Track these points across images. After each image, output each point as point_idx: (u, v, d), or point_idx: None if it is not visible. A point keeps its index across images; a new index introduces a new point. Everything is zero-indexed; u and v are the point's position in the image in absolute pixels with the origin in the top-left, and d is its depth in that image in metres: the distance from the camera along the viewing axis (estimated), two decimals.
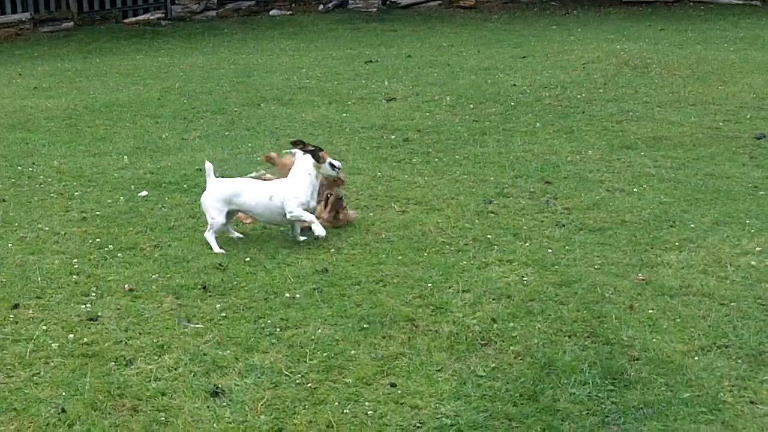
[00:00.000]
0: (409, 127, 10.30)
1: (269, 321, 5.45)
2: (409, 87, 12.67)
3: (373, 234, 6.90)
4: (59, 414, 4.48)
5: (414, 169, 8.64)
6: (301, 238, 6.79)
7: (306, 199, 6.64)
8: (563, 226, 6.98)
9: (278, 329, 5.34)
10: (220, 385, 4.72)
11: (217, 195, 6.69)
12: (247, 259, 6.46)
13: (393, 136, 9.91)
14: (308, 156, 6.69)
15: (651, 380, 4.73)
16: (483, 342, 5.15)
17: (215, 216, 6.66)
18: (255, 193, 6.71)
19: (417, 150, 9.33)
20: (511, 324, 5.34)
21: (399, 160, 9.00)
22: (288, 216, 6.64)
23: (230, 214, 6.81)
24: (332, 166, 6.79)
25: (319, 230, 6.59)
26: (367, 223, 7.15)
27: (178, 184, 8.27)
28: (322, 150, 6.77)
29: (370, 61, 15.04)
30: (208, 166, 6.75)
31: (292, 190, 6.63)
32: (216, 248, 6.61)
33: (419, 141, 9.70)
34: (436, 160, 8.96)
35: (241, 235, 6.94)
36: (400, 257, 6.41)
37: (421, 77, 13.40)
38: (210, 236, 6.69)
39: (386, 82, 13.04)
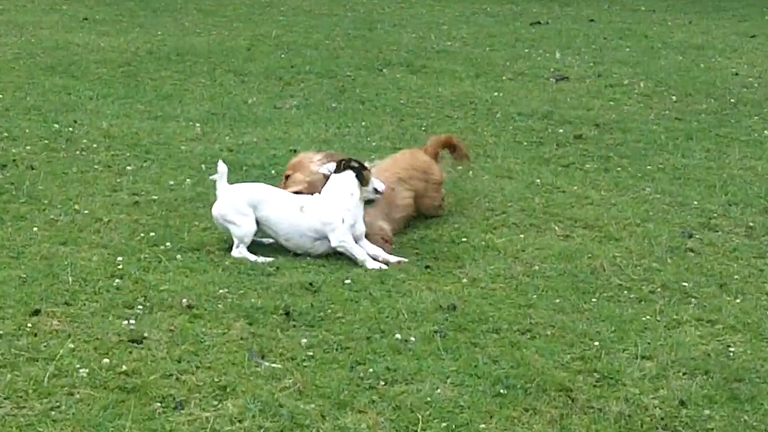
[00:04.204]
0: (584, 120, 10.23)
1: (371, 370, 5.46)
2: (589, 63, 12.58)
3: (522, 264, 6.87)
4: None
5: (586, 179, 8.57)
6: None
7: (353, 221, 6.75)
8: None
9: (382, 382, 5.34)
10: None
11: (237, 200, 6.76)
12: (347, 280, 6.50)
13: (561, 130, 9.86)
14: (349, 174, 6.81)
15: None
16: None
17: (242, 222, 6.73)
18: (281, 204, 6.81)
19: (593, 153, 9.26)
20: (707, 411, 5.22)
21: (566, 164, 8.95)
22: (334, 245, 6.69)
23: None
24: (376, 190, 6.90)
25: (373, 265, 6.65)
26: (515, 247, 7.12)
27: (264, 168, 8.39)
28: (366, 168, 6.90)
29: (538, 23, 15.01)
30: (221, 168, 6.83)
31: (334, 210, 6.74)
32: (253, 257, 6.69)
33: (597, 140, 9.62)
34: (619, 168, 8.87)
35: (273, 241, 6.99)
36: (557, 300, 6.36)
37: (606, 51, 13.29)
38: (242, 251, 6.73)
39: (557, 55, 12.99)
